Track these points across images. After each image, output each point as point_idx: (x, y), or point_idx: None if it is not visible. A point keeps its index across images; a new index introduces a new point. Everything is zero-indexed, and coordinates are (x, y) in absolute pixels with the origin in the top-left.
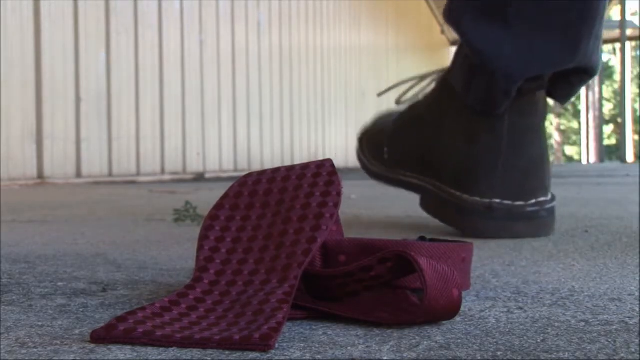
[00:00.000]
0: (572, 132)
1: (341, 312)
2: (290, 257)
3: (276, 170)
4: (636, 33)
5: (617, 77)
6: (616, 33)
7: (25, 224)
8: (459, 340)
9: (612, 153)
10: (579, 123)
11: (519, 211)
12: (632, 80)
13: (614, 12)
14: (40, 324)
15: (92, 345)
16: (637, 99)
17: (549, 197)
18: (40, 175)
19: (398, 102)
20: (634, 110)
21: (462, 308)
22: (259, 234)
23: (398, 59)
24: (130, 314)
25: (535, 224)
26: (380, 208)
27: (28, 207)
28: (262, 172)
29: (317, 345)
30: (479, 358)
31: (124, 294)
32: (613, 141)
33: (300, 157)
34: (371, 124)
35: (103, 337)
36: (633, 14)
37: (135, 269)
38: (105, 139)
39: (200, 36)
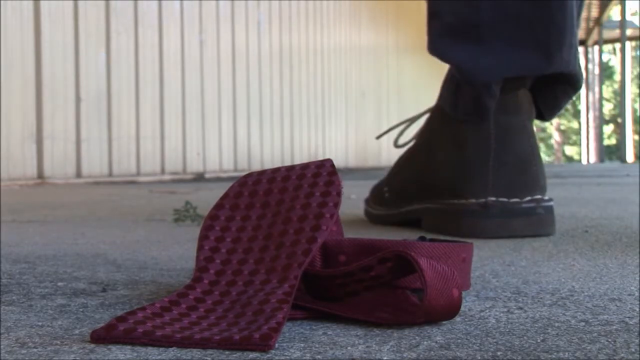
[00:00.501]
0: (572, 132)
1: (341, 312)
2: (290, 257)
3: (276, 170)
4: (636, 33)
5: (617, 77)
6: (616, 33)
7: (25, 224)
8: (459, 340)
9: (612, 153)
10: (579, 123)
11: (514, 207)
12: (632, 80)
13: (614, 12)
14: (40, 324)
15: (92, 345)
16: (637, 99)
17: (546, 197)
18: (40, 175)
19: (396, 144)
20: (634, 110)
21: (462, 308)
22: (259, 234)
23: (398, 59)
24: (130, 314)
25: (533, 220)
26: None
27: (28, 207)
28: (262, 172)
29: (317, 345)
30: (479, 358)
31: (124, 294)
32: (613, 141)
33: (300, 157)
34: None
35: (103, 337)
36: (633, 14)
37: (135, 269)
38: (105, 139)
39: (200, 36)
